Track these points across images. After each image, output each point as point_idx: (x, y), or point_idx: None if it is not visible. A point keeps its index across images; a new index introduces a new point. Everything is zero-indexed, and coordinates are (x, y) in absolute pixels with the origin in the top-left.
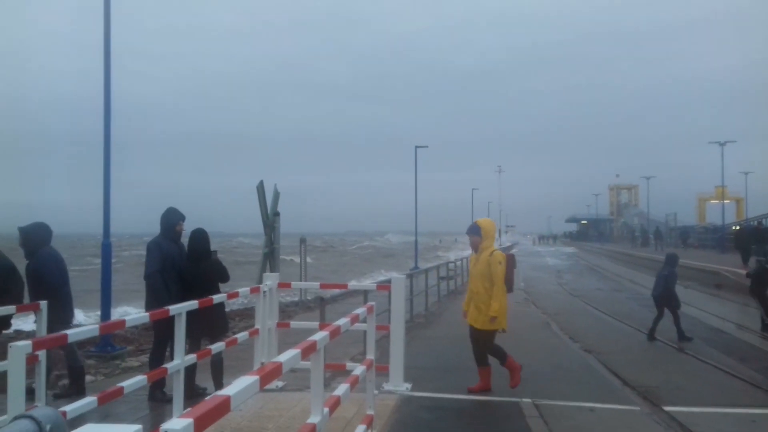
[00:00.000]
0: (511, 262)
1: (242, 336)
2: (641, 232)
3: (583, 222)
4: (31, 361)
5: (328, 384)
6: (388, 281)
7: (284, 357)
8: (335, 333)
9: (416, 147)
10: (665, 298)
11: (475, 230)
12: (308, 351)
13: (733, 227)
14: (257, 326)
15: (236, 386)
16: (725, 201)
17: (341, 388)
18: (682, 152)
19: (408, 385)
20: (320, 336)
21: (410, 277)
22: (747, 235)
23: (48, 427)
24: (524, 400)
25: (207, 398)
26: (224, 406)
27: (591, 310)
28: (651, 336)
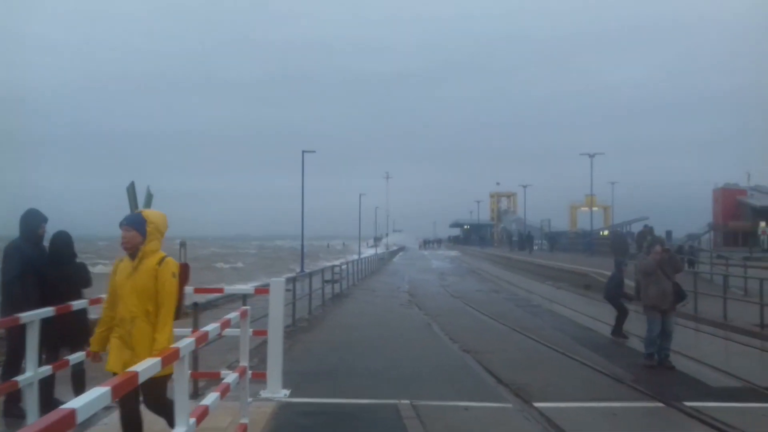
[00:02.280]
0: (184, 274)
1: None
2: (518, 237)
3: (465, 227)
4: None
5: (201, 393)
6: (268, 285)
7: (141, 366)
8: (202, 339)
9: (303, 152)
10: (613, 297)
11: (135, 221)
12: (170, 359)
13: (601, 232)
14: None
15: (83, 398)
16: (594, 209)
17: (210, 397)
18: (558, 162)
19: (286, 392)
20: (184, 343)
21: (294, 280)
22: (622, 239)
23: None
24: (402, 401)
25: (51, 412)
26: (68, 419)
27: (471, 311)
28: (618, 334)
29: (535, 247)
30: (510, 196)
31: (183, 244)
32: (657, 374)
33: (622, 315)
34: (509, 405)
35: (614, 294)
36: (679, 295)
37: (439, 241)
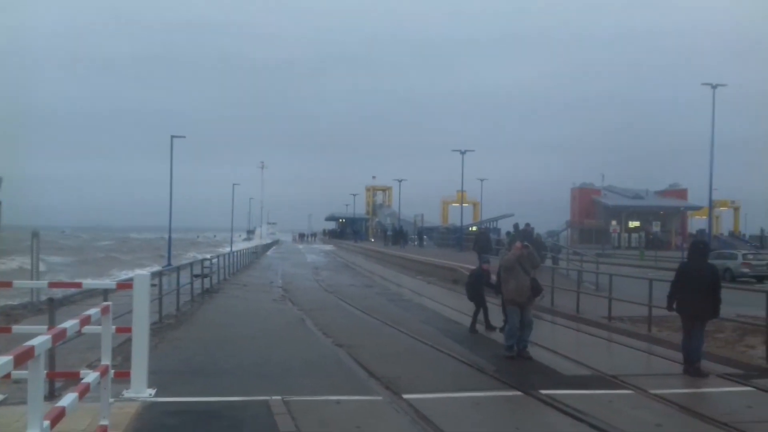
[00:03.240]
0: None
1: None
2: (393, 231)
3: (341, 220)
4: None
5: (58, 395)
6: (131, 279)
7: None
8: (59, 337)
9: (172, 137)
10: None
11: None
12: (23, 358)
13: (470, 228)
14: None
15: None
16: (464, 204)
17: (67, 398)
18: (433, 158)
19: (152, 391)
20: (39, 341)
21: (160, 275)
22: (485, 237)
23: None
24: (274, 397)
25: None
26: None
27: (344, 306)
28: (473, 330)
29: (410, 242)
30: (386, 190)
31: (36, 235)
32: (516, 364)
33: (483, 310)
34: (380, 398)
35: (475, 289)
36: (536, 290)
37: (314, 235)
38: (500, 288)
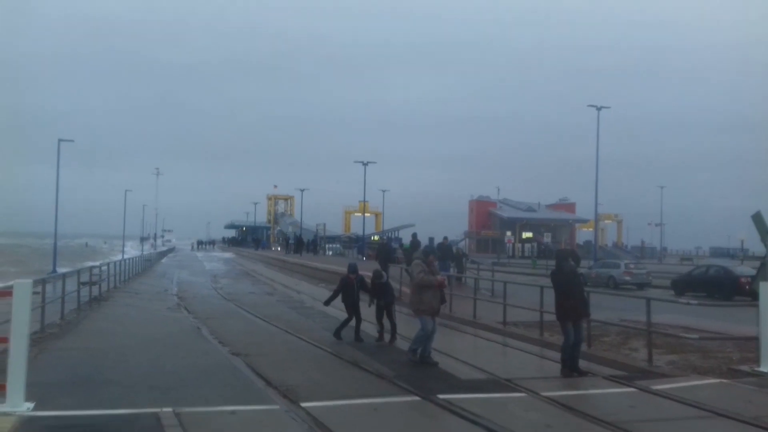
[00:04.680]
0: None
1: None
2: (295, 240)
3: (242, 228)
4: None
5: None
6: (11, 287)
7: None
8: None
9: (59, 140)
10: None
11: None
12: None
13: (372, 237)
14: None
15: None
16: (366, 214)
17: None
18: (337, 168)
19: (30, 404)
20: None
21: (43, 282)
22: (387, 248)
23: None
24: (164, 409)
25: None
26: None
27: (243, 314)
28: (338, 335)
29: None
30: (288, 199)
31: None
32: (415, 370)
33: (357, 319)
34: (277, 407)
35: (350, 297)
36: (443, 299)
37: (212, 243)
38: (379, 295)
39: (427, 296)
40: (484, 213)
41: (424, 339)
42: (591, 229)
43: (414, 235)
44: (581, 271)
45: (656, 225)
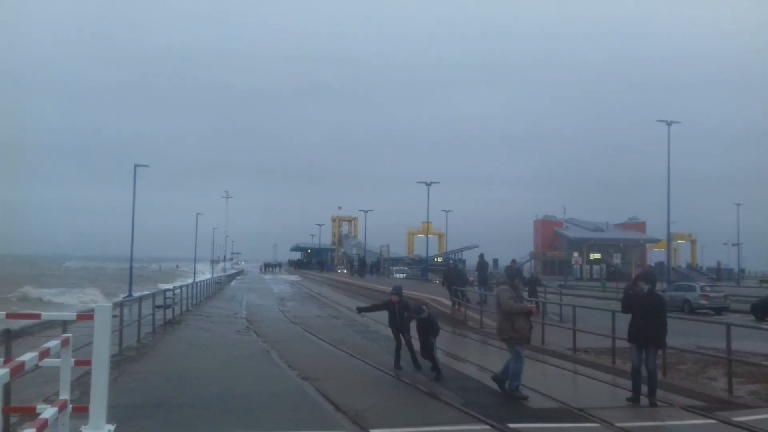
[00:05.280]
0: None
1: None
2: (359, 262)
3: (307, 251)
4: None
5: (14, 431)
6: (92, 310)
7: None
8: (17, 370)
9: (136, 165)
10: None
11: None
12: None
13: (435, 259)
14: None
15: None
16: (430, 235)
17: None
18: (399, 189)
19: (111, 427)
20: None
21: (121, 305)
22: (455, 272)
23: None
24: None
25: None
26: None
27: (310, 337)
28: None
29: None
30: (351, 220)
31: None
32: (484, 397)
33: (409, 346)
34: None
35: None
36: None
37: (279, 265)
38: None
39: (519, 323)
40: (549, 233)
41: (521, 370)
42: (663, 250)
43: (481, 256)
44: (660, 294)
45: (733, 245)
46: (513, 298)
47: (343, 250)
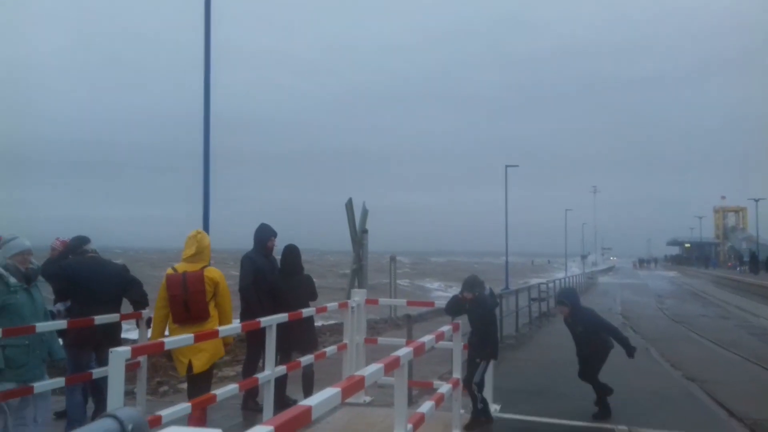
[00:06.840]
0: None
1: (331, 350)
2: (750, 257)
3: (686, 245)
4: (134, 367)
5: (414, 401)
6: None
7: (367, 371)
8: (419, 350)
9: (506, 166)
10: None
11: None
12: (391, 366)
13: None
14: (345, 341)
15: (318, 397)
16: None
17: (426, 406)
18: None
19: (497, 407)
20: (404, 352)
21: (500, 297)
22: None
23: (130, 426)
24: (619, 427)
25: (290, 408)
26: (305, 415)
27: (694, 337)
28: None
29: None
30: (738, 211)
31: (393, 259)
32: None
33: None
34: None
35: None
36: None
37: (654, 261)
38: None
39: None
40: None
41: None
42: None
43: None
44: None
45: None
46: None
47: (729, 243)
